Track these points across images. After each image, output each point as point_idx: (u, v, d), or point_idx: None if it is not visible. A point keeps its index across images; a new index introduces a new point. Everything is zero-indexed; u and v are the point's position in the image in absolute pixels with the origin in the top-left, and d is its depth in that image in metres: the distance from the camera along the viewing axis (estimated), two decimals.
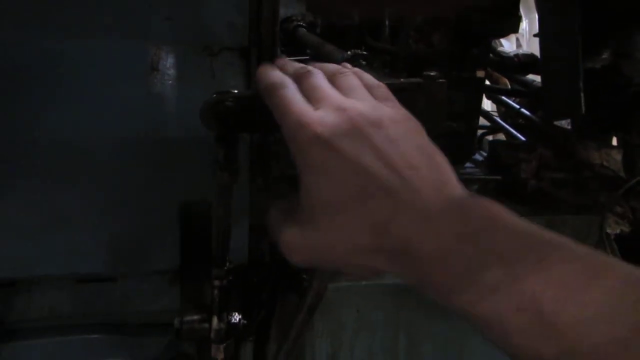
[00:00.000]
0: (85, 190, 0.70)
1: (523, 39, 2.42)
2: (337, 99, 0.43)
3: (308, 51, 1.14)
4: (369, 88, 0.46)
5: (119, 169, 0.71)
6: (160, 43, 0.73)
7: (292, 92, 0.45)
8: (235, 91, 0.61)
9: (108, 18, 0.70)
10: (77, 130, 0.69)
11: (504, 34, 1.13)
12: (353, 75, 0.47)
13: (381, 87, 0.48)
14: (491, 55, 1.23)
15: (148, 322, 0.78)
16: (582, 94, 0.95)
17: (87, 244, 0.71)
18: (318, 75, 0.46)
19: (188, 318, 0.67)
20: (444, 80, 0.59)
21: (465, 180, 1.08)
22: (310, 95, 0.44)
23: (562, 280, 0.32)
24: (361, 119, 0.41)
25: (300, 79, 0.46)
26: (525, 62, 1.23)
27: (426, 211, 0.38)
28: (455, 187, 0.41)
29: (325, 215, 0.40)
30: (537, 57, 1.20)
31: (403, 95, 0.57)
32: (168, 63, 0.73)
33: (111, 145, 0.70)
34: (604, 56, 1.05)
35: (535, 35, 1.12)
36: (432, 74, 0.59)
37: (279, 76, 0.48)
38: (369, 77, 0.49)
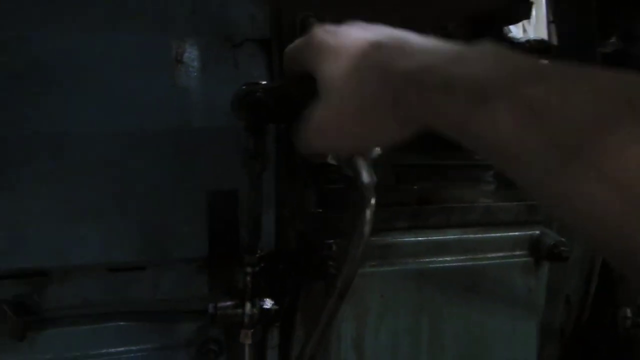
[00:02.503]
0: (115, 181, 0.72)
1: (529, 23, 2.40)
2: None
3: None
4: None
5: (148, 160, 0.72)
6: (184, 35, 0.74)
7: None
8: (264, 82, 0.63)
9: (133, 12, 0.71)
10: (106, 122, 0.71)
11: (517, 20, 1.14)
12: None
13: None
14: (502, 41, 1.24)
15: (177, 308, 0.80)
16: None
17: (118, 233, 0.73)
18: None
19: (221, 304, 0.69)
20: None
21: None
22: None
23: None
24: None
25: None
26: (537, 48, 1.23)
27: None
28: None
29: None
30: (548, 42, 1.20)
31: None
32: (192, 55, 0.75)
33: (140, 136, 0.72)
34: (612, 40, 1.06)
35: (550, 22, 1.13)
36: None
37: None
38: None
